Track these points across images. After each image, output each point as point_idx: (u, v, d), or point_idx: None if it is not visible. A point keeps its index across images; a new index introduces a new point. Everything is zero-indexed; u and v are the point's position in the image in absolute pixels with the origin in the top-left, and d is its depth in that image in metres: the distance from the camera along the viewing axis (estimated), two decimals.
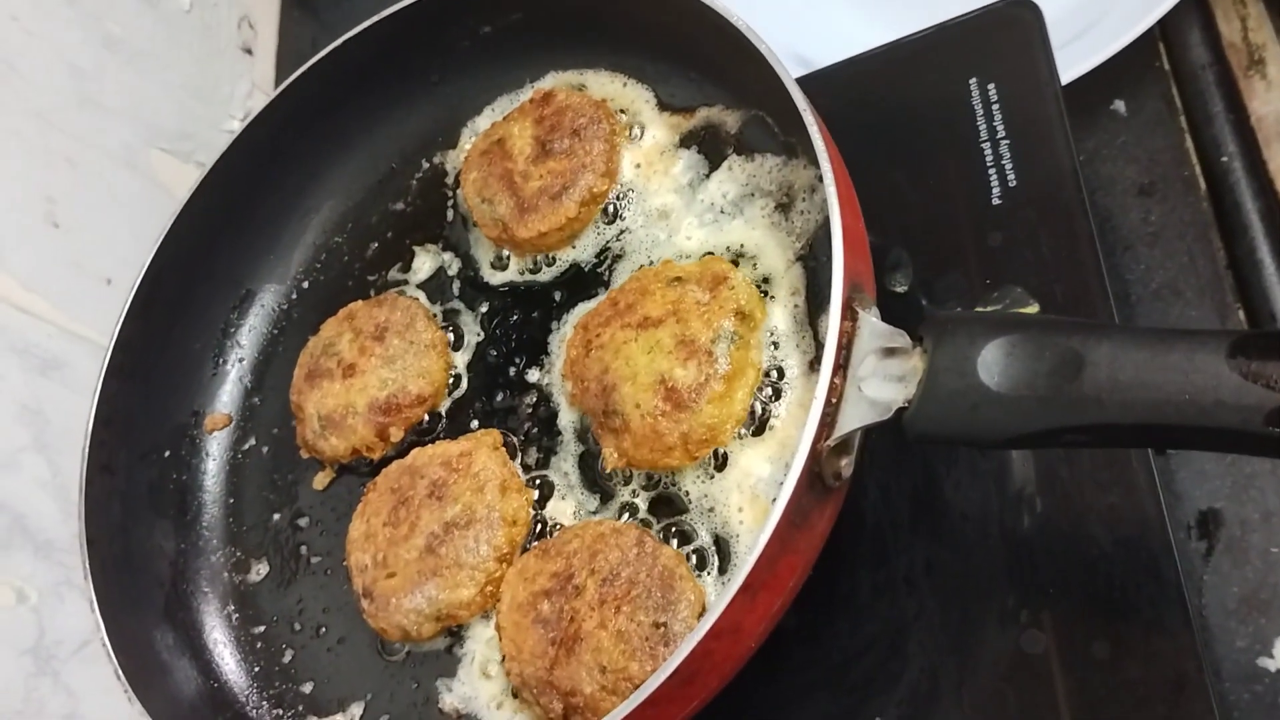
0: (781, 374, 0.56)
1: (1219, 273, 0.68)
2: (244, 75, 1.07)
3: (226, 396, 0.72)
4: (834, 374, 0.47)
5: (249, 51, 1.08)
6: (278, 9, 1.12)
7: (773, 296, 0.58)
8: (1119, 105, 0.74)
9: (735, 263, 0.60)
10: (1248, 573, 0.60)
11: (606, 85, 0.68)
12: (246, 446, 0.71)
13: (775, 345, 0.57)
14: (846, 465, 0.48)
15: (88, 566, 0.61)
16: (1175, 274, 0.68)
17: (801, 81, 0.56)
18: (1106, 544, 0.56)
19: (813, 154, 0.51)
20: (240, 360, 0.73)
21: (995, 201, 0.63)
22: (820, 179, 0.50)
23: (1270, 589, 0.60)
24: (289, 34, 1.11)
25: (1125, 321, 0.65)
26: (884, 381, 0.47)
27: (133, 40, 0.95)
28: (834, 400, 0.47)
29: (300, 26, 1.12)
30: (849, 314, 0.48)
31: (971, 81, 0.66)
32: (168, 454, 0.69)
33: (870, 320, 0.48)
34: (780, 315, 0.57)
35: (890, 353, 0.47)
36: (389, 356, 0.65)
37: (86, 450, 0.64)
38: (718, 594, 0.48)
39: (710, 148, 0.64)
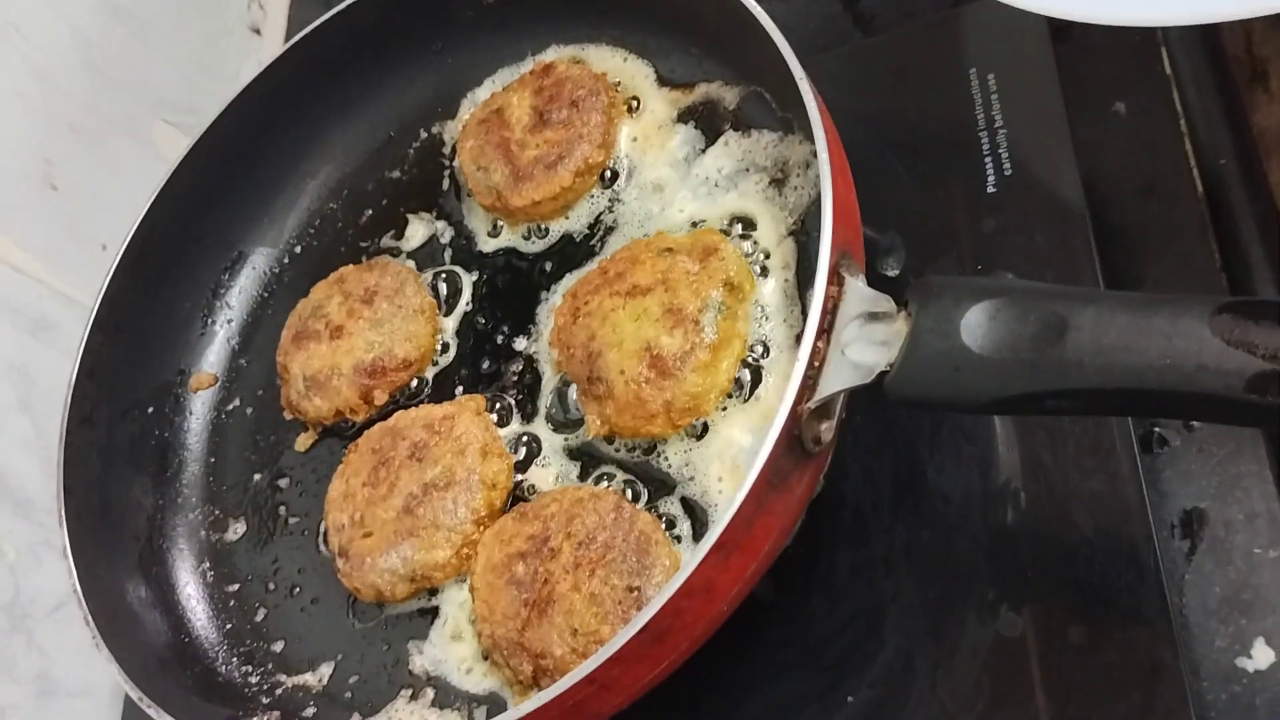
0: (768, 347, 0.56)
1: (1214, 275, 0.67)
2: (251, 54, 1.07)
3: (213, 356, 0.72)
4: (817, 337, 0.47)
5: (257, 31, 1.09)
6: None
7: (764, 269, 0.58)
8: (1120, 107, 0.74)
9: (728, 233, 0.59)
10: (1230, 573, 0.60)
11: (607, 59, 0.68)
12: (231, 407, 0.71)
13: (764, 317, 0.57)
14: (827, 429, 0.48)
15: (63, 514, 0.60)
16: (1168, 272, 0.68)
17: (803, 64, 0.56)
18: (1088, 532, 0.56)
19: (809, 128, 0.51)
20: (229, 321, 0.72)
21: (990, 190, 0.63)
22: (815, 154, 0.50)
23: (1252, 590, 0.59)
24: (298, 16, 1.11)
25: None
26: (867, 345, 0.46)
27: (140, 12, 0.95)
28: (816, 363, 0.47)
29: (310, 10, 1.12)
30: (835, 279, 0.48)
31: (972, 71, 0.66)
32: (151, 410, 0.69)
33: (856, 285, 0.48)
34: (770, 288, 0.57)
35: (875, 317, 0.47)
36: (377, 320, 0.65)
37: (68, 401, 0.63)
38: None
39: (707, 123, 0.64)
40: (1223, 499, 0.62)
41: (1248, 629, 0.59)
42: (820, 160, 0.50)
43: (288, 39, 1.08)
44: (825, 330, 0.47)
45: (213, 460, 0.69)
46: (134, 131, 0.92)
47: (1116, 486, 0.56)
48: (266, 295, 0.73)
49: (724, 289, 0.56)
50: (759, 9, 0.55)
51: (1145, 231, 0.69)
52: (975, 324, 0.43)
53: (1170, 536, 0.62)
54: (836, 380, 0.46)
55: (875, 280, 0.63)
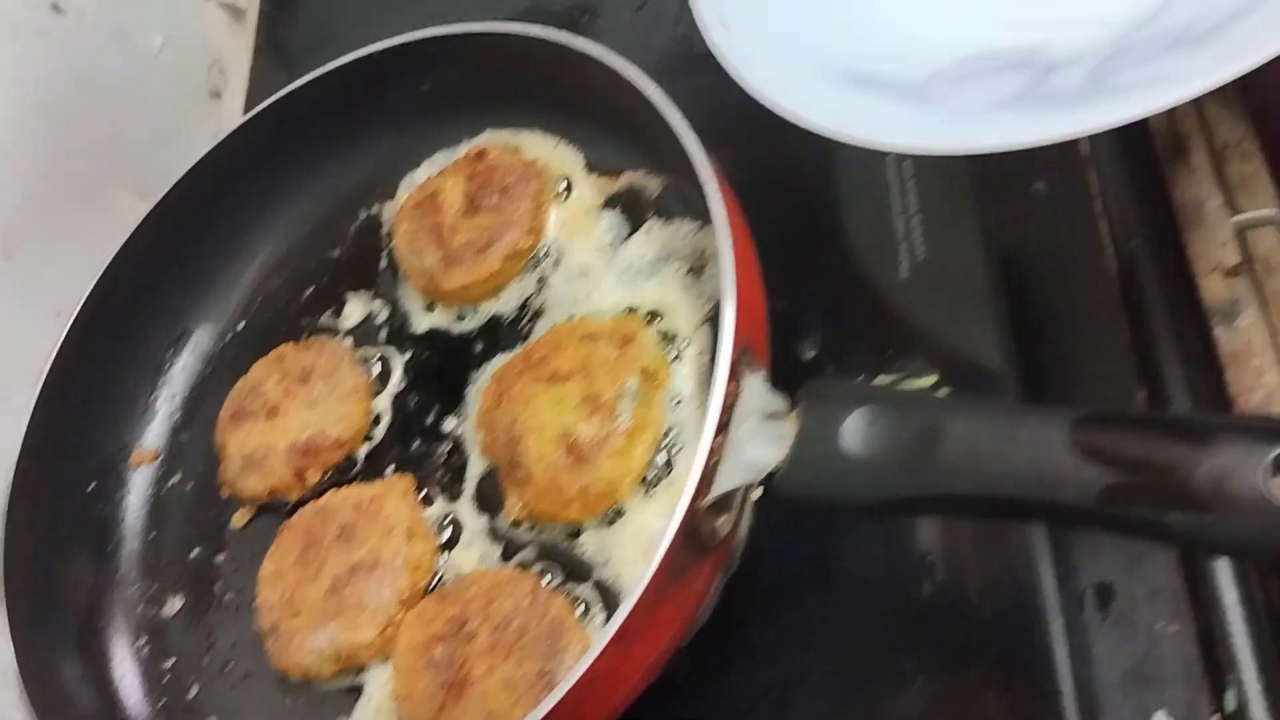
0: (681, 432, 0.58)
1: (1126, 354, 0.70)
2: (210, 118, 1.09)
3: (155, 432, 0.74)
4: (715, 435, 0.49)
5: (217, 95, 1.11)
6: (249, 55, 1.14)
7: (679, 356, 0.60)
8: (1040, 185, 0.76)
9: (649, 321, 0.61)
10: (1134, 647, 0.62)
11: (539, 145, 0.70)
12: (171, 482, 0.72)
13: (678, 403, 0.59)
14: (724, 523, 0.50)
15: (3, 593, 0.62)
16: (1083, 354, 0.70)
17: (731, 146, 0.59)
18: (1000, 605, 0.58)
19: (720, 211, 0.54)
20: (172, 397, 0.74)
21: (903, 275, 0.65)
22: None
23: (1154, 663, 0.61)
24: (259, 80, 1.13)
25: (1028, 397, 0.67)
26: (762, 444, 0.48)
27: (101, 78, 0.97)
28: (713, 461, 0.49)
29: (271, 73, 1.14)
30: (735, 377, 0.50)
31: (889, 157, 0.68)
32: (92, 487, 0.70)
33: (753, 384, 0.50)
34: (685, 375, 0.59)
35: (770, 416, 0.49)
36: (312, 400, 0.67)
37: (10, 479, 0.65)
38: None
39: (632, 210, 0.66)
40: (1129, 574, 0.64)
41: (1149, 702, 0.60)
42: (722, 259, 0.52)
43: (248, 103, 1.11)
44: (723, 427, 0.49)
45: (152, 535, 0.71)
46: (91, 199, 0.94)
47: (1028, 562, 0.58)
48: (209, 371, 0.75)
49: (640, 376, 0.58)
50: (669, 105, 0.57)
51: (1060, 312, 0.71)
52: (855, 430, 0.45)
53: (1079, 610, 0.64)
54: (731, 478, 0.48)
55: (792, 362, 0.65)
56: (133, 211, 0.95)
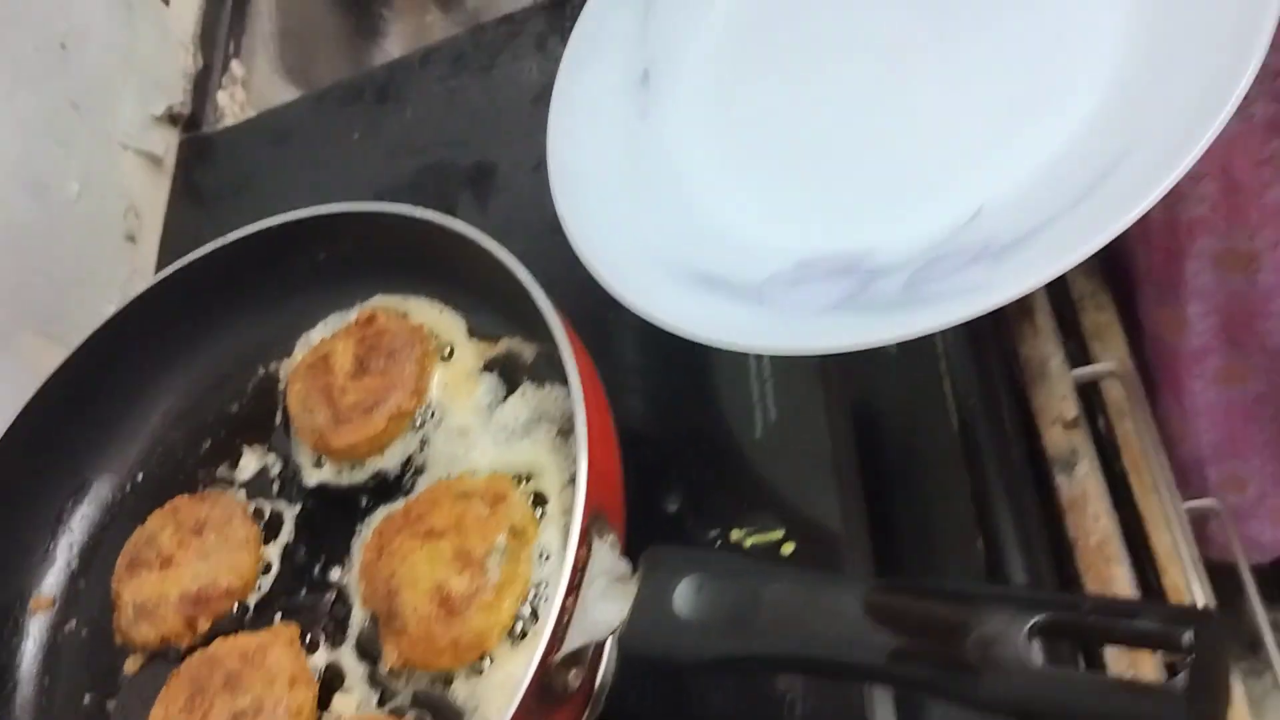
0: (547, 585, 0.62)
1: (965, 504, 0.76)
2: (125, 262, 1.13)
3: (53, 579, 0.77)
4: (566, 595, 0.54)
5: (132, 239, 1.15)
6: (165, 201, 1.19)
7: (546, 514, 0.65)
8: (891, 347, 0.83)
9: (520, 481, 0.67)
10: None
11: (425, 310, 0.76)
12: (67, 629, 0.75)
13: (545, 558, 0.63)
14: (575, 676, 0.55)
15: None
16: (927, 506, 0.76)
17: (613, 308, 0.65)
18: None
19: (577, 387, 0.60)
20: (70, 545, 0.77)
21: (758, 435, 0.71)
22: None
23: None
24: (174, 222, 1.18)
25: (875, 549, 0.72)
26: (608, 604, 0.54)
27: (17, 226, 1.01)
28: (565, 620, 0.54)
29: (186, 215, 1.19)
30: (585, 543, 0.55)
31: None
32: None
33: (601, 550, 0.55)
34: (551, 532, 0.64)
35: (616, 579, 0.54)
36: (205, 551, 0.71)
37: None
38: None
39: (509, 374, 0.72)
40: None
41: None
42: (578, 432, 0.58)
43: (162, 247, 1.16)
44: (574, 588, 0.54)
45: (46, 680, 0.73)
46: (2, 344, 0.98)
47: (873, 705, 0.63)
48: (108, 520, 0.78)
49: (509, 534, 0.63)
50: (534, 283, 0.64)
51: (908, 466, 0.77)
52: (685, 595, 0.50)
53: None
54: (580, 635, 0.53)
55: (657, 515, 0.71)
56: (42, 354, 1.00)
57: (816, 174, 0.71)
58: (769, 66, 0.77)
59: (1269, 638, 0.96)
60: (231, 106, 1.28)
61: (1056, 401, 0.85)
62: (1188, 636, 0.42)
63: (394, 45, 1.54)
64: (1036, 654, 0.44)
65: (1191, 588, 0.75)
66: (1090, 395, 0.86)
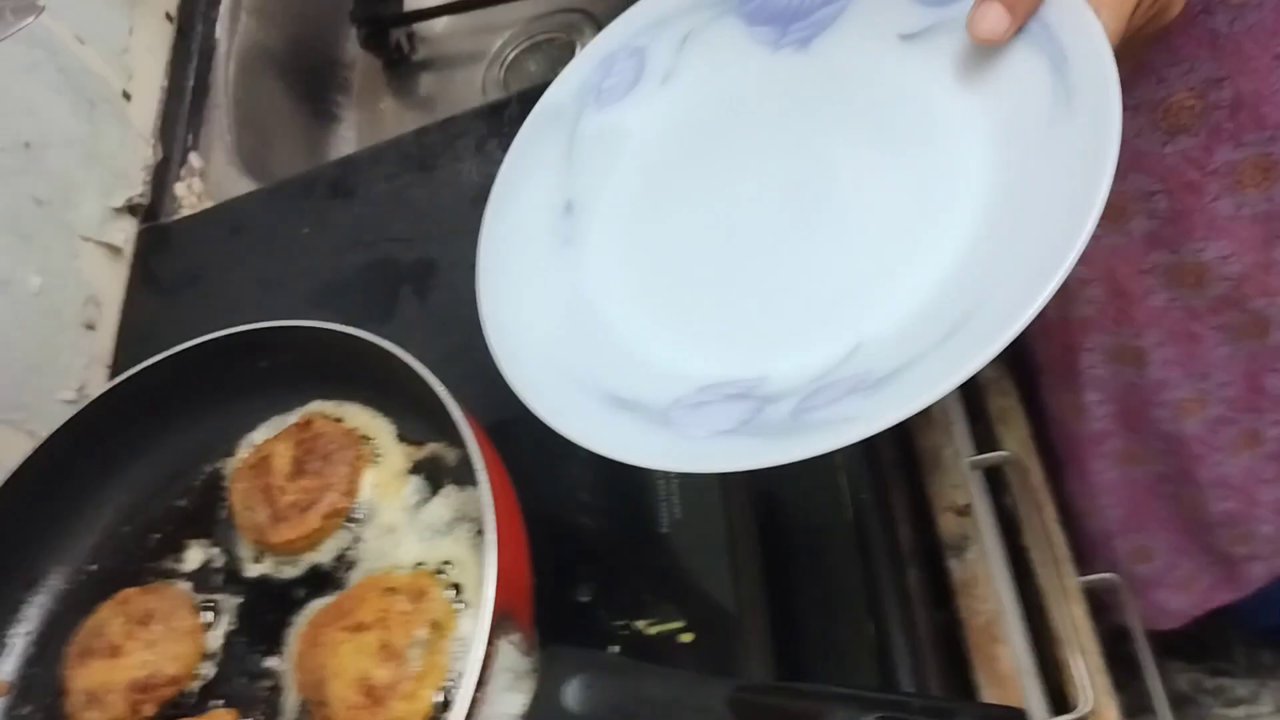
0: (461, 676, 0.68)
1: (857, 591, 0.82)
2: (84, 349, 1.19)
3: (9, 666, 0.82)
4: (475, 689, 0.60)
5: (91, 327, 1.21)
6: (124, 287, 1.25)
7: (465, 605, 0.71)
8: None
9: (442, 574, 0.73)
10: None
11: (359, 415, 0.82)
12: (24, 712, 0.80)
13: (462, 650, 0.70)
14: None
15: None
16: (823, 592, 0.82)
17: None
18: None
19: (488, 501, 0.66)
20: (26, 634, 0.82)
21: (664, 529, 0.78)
22: None
23: None
24: (132, 310, 1.24)
25: (773, 634, 0.78)
26: (511, 696, 0.60)
27: None
28: (473, 712, 0.60)
29: (144, 303, 1.25)
30: (492, 640, 0.62)
31: None
32: None
33: (507, 647, 0.62)
34: (468, 624, 0.70)
35: (519, 675, 0.61)
36: (151, 641, 0.76)
37: None
38: None
39: (433, 476, 0.78)
40: None
41: None
42: (486, 537, 0.64)
43: (120, 333, 1.21)
44: (482, 682, 0.60)
45: None
46: None
47: None
48: (61, 610, 0.83)
49: (429, 627, 0.69)
50: (449, 396, 0.71)
51: (805, 558, 0.84)
52: (575, 691, 0.57)
53: None
54: None
55: (569, 604, 0.77)
56: (4, 442, 1.05)
57: (716, 306, 0.76)
58: (677, 204, 0.83)
59: (1161, 703, 1.03)
60: (189, 197, 1.34)
61: (949, 490, 0.92)
62: None
63: (349, 130, 1.61)
64: None
65: (1077, 661, 0.81)
66: (994, 476, 0.92)
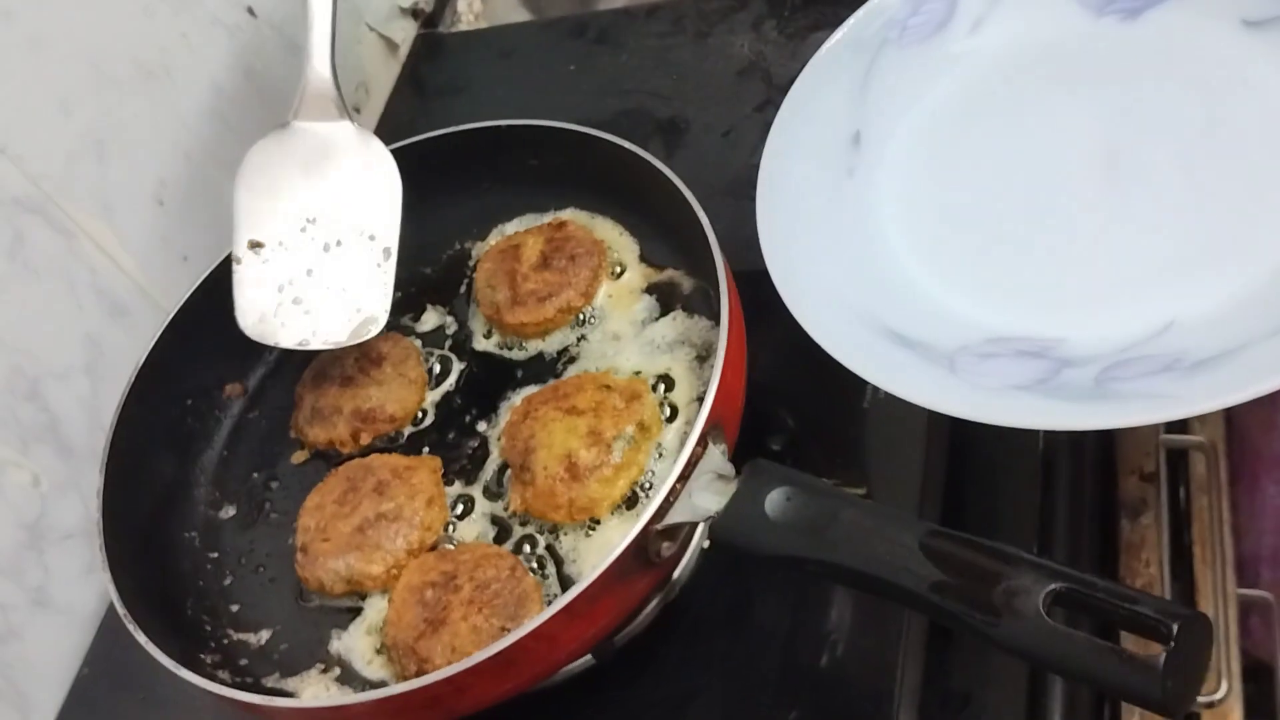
0: (657, 477, 0.73)
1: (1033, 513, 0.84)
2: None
3: (250, 373, 0.91)
4: (677, 480, 0.64)
5: (357, 110, 1.29)
6: (393, 83, 1.32)
7: (672, 419, 0.76)
8: None
9: (654, 387, 0.77)
10: None
11: (608, 229, 0.87)
12: (252, 415, 0.89)
13: (661, 455, 0.74)
14: (668, 548, 0.65)
15: (105, 466, 0.78)
16: (996, 504, 0.84)
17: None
18: (869, 693, 0.72)
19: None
20: (271, 351, 0.90)
21: (865, 404, 0.81)
22: None
23: None
24: (396, 105, 1.31)
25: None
26: (709, 496, 0.64)
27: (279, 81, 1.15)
28: (671, 499, 0.64)
29: (408, 101, 1.32)
30: (703, 443, 0.66)
31: None
32: (190, 402, 0.87)
33: (714, 452, 0.66)
34: (672, 436, 0.75)
35: (720, 477, 0.65)
36: (381, 380, 0.83)
37: (131, 379, 0.82)
38: None
39: (665, 299, 0.82)
40: (985, 685, 0.78)
41: None
42: (718, 357, 0.68)
43: (380, 123, 1.29)
44: (684, 477, 0.65)
45: (226, 454, 0.87)
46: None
47: (907, 661, 0.72)
48: None
49: (637, 427, 0.74)
50: (710, 229, 0.74)
51: (989, 482, 0.84)
52: (775, 500, 0.60)
53: (939, 711, 0.77)
54: (680, 514, 0.64)
55: (762, 450, 0.81)
56: None
57: (1017, 257, 0.76)
58: (978, 153, 0.82)
59: None
60: (468, 14, 1.40)
61: (1139, 455, 0.92)
62: (1175, 628, 0.50)
63: None
64: (1050, 612, 0.53)
65: (1230, 666, 0.77)
66: (1177, 465, 0.92)
